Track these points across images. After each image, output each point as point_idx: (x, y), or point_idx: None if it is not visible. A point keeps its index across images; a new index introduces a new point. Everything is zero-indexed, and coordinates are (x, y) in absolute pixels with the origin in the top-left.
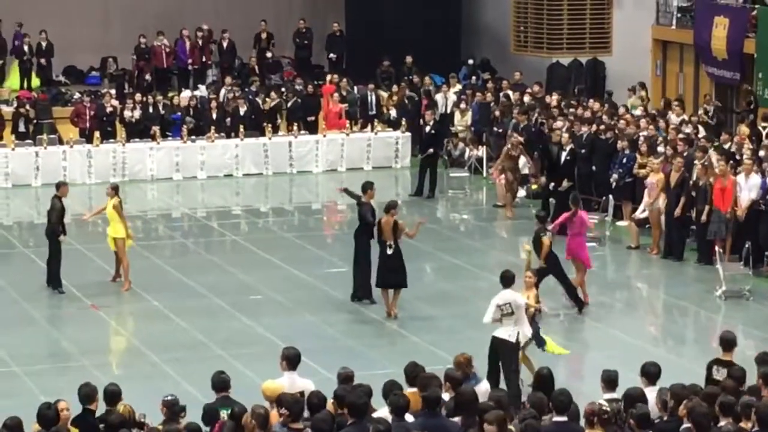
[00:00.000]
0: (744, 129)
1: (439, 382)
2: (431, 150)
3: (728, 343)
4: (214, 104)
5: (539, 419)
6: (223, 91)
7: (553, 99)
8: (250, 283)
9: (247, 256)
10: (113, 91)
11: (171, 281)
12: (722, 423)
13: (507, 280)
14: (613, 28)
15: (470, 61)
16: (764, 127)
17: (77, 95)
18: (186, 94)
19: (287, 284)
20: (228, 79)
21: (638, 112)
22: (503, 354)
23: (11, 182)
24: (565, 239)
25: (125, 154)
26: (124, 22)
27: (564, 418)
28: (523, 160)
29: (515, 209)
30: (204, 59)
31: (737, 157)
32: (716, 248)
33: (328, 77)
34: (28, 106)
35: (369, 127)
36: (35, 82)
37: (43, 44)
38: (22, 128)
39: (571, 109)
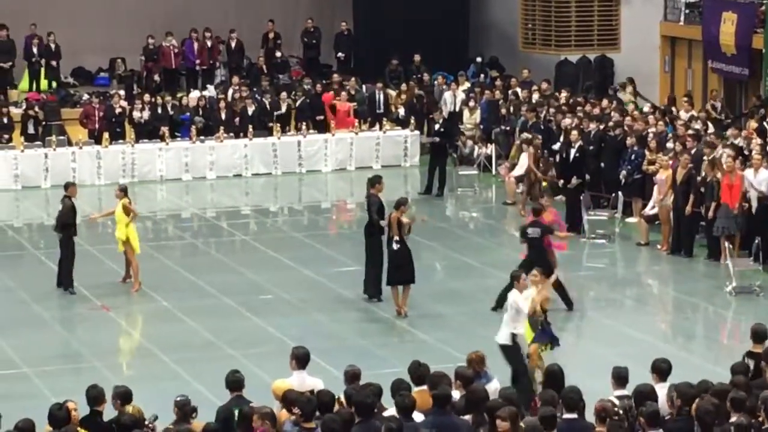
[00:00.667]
0: (752, 124)
1: (449, 380)
2: (437, 139)
3: (758, 335)
4: (222, 104)
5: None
6: (230, 91)
7: (562, 96)
8: (259, 283)
9: (257, 255)
10: (122, 92)
11: (181, 282)
12: (734, 418)
13: (512, 279)
14: (621, 25)
15: (478, 59)
16: None
17: (86, 96)
18: (195, 94)
19: (297, 284)
20: (235, 79)
21: (647, 108)
22: (507, 357)
23: (21, 184)
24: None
25: (134, 155)
26: (132, 23)
27: (574, 415)
28: None
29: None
30: (212, 60)
31: (746, 152)
32: (726, 244)
33: (334, 77)
34: (36, 108)
35: (377, 126)
36: (44, 84)
37: (52, 46)
38: (31, 130)
39: (579, 107)
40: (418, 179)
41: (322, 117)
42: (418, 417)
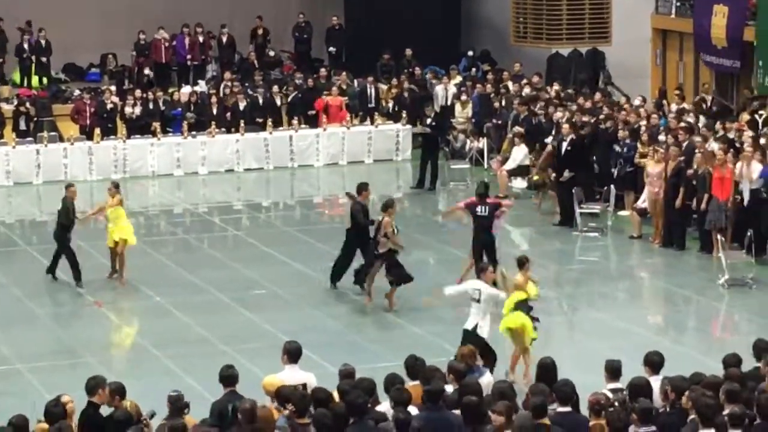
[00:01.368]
0: (744, 116)
1: (442, 374)
2: (428, 130)
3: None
4: (214, 99)
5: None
6: (222, 87)
7: (553, 90)
8: (252, 278)
9: (249, 250)
10: (113, 88)
11: (173, 277)
12: (728, 410)
13: (480, 270)
14: (612, 18)
15: (470, 53)
16: (761, 115)
17: (77, 92)
18: (186, 89)
19: (290, 278)
20: (227, 75)
21: (637, 101)
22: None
23: (12, 180)
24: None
25: (126, 150)
26: (123, 19)
27: (568, 409)
28: (523, 151)
29: (517, 200)
30: (203, 55)
31: (737, 145)
32: (718, 237)
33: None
34: (28, 104)
35: (369, 121)
36: (35, 80)
37: (43, 42)
38: (22, 126)
39: (570, 101)
40: (410, 173)
41: (314, 112)
42: (412, 411)
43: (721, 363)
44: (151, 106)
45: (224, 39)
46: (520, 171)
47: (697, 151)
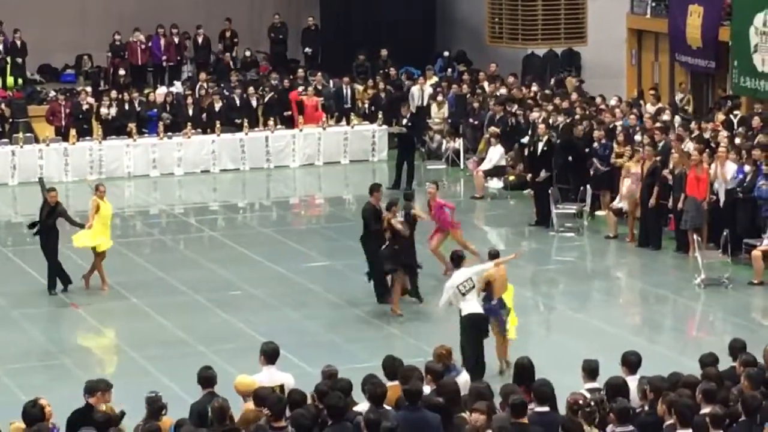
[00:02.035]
0: (720, 116)
1: (420, 374)
2: (404, 129)
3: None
4: (190, 100)
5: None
6: (197, 87)
7: (531, 90)
8: (229, 279)
9: (226, 251)
10: (89, 89)
11: (150, 278)
12: (706, 410)
13: (459, 260)
14: (587, 18)
15: (446, 54)
16: (736, 115)
17: (52, 93)
18: (162, 90)
19: (266, 279)
20: (202, 75)
21: (613, 101)
22: (480, 327)
23: None
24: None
25: (102, 151)
26: (99, 20)
27: (546, 408)
28: (500, 151)
29: (493, 200)
30: (179, 56)
31: (713, 144)
32: (694, 237)
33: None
34: (3, 105)
35: (345, 121)
36: (10, 81)
37: (18, 43)
38: None
39: (545, 101)
40: (386, 174)
41: (289, 113)
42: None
43: (698, 362)
44: (126, 107)
45: (200, 40)
46: (497, 171)
47: (673, 151)
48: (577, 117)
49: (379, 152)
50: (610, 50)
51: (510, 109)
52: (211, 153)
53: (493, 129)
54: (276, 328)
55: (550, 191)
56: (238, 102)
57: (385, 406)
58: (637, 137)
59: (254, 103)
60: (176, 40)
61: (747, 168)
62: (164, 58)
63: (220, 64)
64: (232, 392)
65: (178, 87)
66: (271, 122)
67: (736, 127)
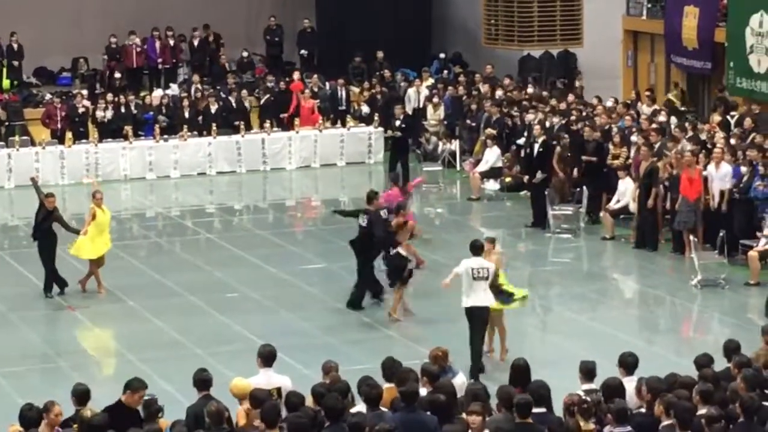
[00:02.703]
0: (716, 117)
1: (416, 376)
2: (398, 133)
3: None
4: (186, 103)
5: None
6: (193, 90)
7: (526, 92)
8: (225, 281)
9: (222, 254)
10: (85, 92)
11: (146, 281)
12: (702, 411)
13: (478, 249)
14: (583, 20)
15: (442, 55)
16: (733, 116)
17: (48, 96)
18: (158, 93)
19: (263, 281)
20: (196, 77)
21: (610, 103)
22: (479, 319)
23: None
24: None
25: (98, 154)
26: (94, 23)
27: (543, 410)
28: (496, 153)
29: (490, 202)
30: (174, 59)
31: (708, 146)
32: (690, 238)
33: (295, 75)
34: None
35: (340, 123)
36: (6, 83)
37: (15, 46)
38: None
39: (542, 103)
40: (382, 176)
41: (285, 114)
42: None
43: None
44: (122, 109)
45: (196, 42)
46: (493, 173)
47: (666, 152)
48: (573, 118)
49: (375, 154)
50: (606, 52)
51: (506, 111)
52: (207, 155)
53: (489, 131)
54: (272, 331)
55: (546, 192)
56: (233, 104)
57: (381, 407)
58: (633, 138)
59: (250, 105)
60: (171, 42)
61: (743, 169)
62: (160, 60)
63: (215, 66)
64: (228, 395)
65: (174, 89)
66: (267, 124)
67: (732, 127)
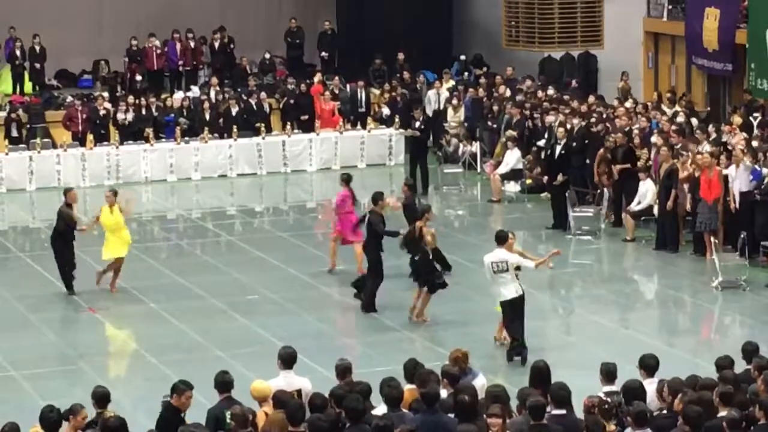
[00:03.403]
0: (737, 119)
1: (437, 378)
2: (417, 133)
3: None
4: (206, 105)
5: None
6: (212, 92)
7: (546, 93)
8: (246, 283)
9: (243, 256)
10: (106, 94)
11: (167, 283)
12: (723, 413)
13: (501, 239)
14: (604, 21)
15: (462, 57)
16: (756, 118)
17: (69, 99)
18: (178, 95)
19: (284, 284)
20: (214, 80)
21: (629, 104)
22: (516, 309)
23: (5, 187)
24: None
25: (119, 156)
26: (115, 25)
27: (563, 411)
28: (517, 155)
29: (511, 204)
30: (195, 61)
31: (729, 147)
32: (711, 239)
33: (316, 78)
34: (20, 111)
35: (360, 125)
36: (28, 86)
37: (37, 48)
38: (14, 133)
39: (562, 105)
40: (402, 178)
41: (306, 116)
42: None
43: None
44: (143, 112)
45: (216, 44)
46: (513, 175)
47: (687, 153)
48: (593, 120)
49: (396, 156)
50: (627, 53)
51: (527, 113)
52: (228, 157)
53: (510, 132)
54: (293, 332)
55: (567, 194)
56: (254, 106)
57: (402, 409)
58: (653, 139)
59: (266, 107)
60: (192, 44)
61: (765, 170)
62: (180, 63)
63: (236, 68)
64: (249, 397)
65: (194, 92)
66: (288, 126)
67: (755, 129)
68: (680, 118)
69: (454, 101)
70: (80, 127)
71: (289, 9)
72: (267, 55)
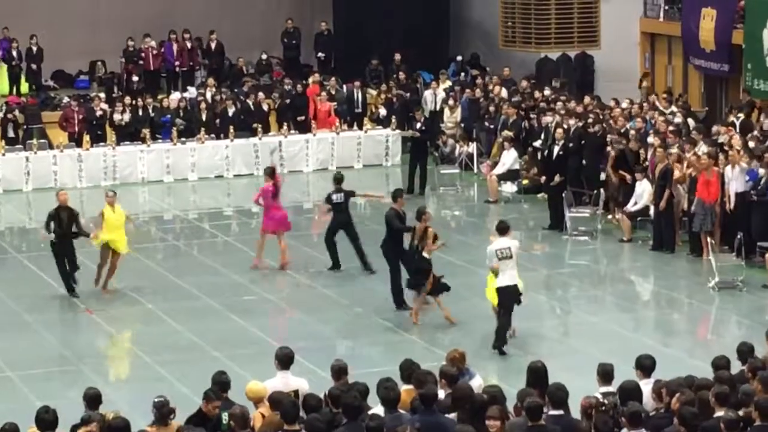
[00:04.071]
0: (732, 119)
1: (435, 378)
2: (417, 134)
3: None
4: (203, 106)
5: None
6: (209, 93)
7: (543, 94)
8: (243, 284)
9: (240, 256)
10: (102, 95)
11: (164, 283)
12: (719, 413)
13: (503, 230)
14: (600, 22)
15: (459, 58)
16: (738, 118)
17: (66, 99)
18: (175, 96)
19: (280, 284)
20: (210, 81)
21: (625, 104)
22: (510, 298)
23: (2, 188)
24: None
25: (116, 157)
26: (112, 26)
27: (560, 412)
28: (513, 155)
29: (508, 204)
30: (191, 61)
31: (726, 148)
32: (708, 240)
33: (311, 78)
34: (17, 112)
35: (356, 126)
36: (24, 87)
37: (33, 49)
38: (11, 134)
39: (559, 104)
40: (399, 178)
41: (303, 117)
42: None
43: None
44: (140, 112)
45: (212, 45)
46: (510, 175)
47: (687, 154)
48: (590, 120)
49: (392, 157)
50: (624, 54)
51: (523, 113)
52: (224, 158)
53: (506, 133)
54: (290, 333)
55: (563, 195)
56: (251, 107)
57: (399, 410)
58: (650, 140)
59: (267, 107)
60: (189, 45)
61: (761, 171)
62: (177, 63)
63: (232, 69)
64: (244, 398)
65: (191, 92)
66: (285, 127)
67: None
68: (678, 119)
69: (451, 102)
70: (77, 128)
71: (285, 10)
72: (264, 56)
